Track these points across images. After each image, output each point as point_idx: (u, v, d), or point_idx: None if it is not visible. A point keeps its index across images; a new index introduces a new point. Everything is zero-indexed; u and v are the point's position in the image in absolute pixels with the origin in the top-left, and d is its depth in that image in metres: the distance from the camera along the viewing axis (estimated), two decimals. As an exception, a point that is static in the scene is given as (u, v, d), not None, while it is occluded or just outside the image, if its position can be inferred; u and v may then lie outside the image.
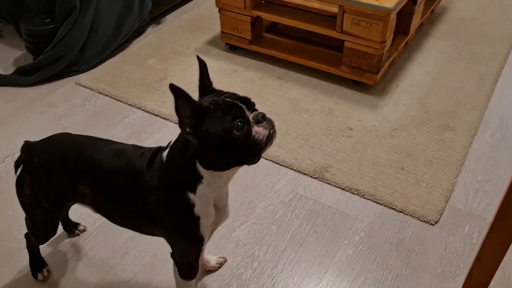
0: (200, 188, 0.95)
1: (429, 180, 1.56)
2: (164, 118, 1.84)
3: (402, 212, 1.47)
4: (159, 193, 0.98)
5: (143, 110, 1.88)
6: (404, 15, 2.03)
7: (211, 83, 0.99)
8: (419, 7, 2.10)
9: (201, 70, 0.97)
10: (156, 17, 2.48)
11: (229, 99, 0.90)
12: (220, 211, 1.05)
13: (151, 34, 2.37)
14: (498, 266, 1.16)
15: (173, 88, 0.83)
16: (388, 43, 1.85)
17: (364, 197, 1.52)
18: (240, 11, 2.06)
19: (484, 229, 1.41)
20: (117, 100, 1.94)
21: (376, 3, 1.73)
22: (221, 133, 0.87)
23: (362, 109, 1.87)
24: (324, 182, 1.57)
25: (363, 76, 1.93)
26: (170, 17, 2.54)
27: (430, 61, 2.15)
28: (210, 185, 0.95)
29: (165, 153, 0.98)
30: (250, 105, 0.93)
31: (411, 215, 1.46)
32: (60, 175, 1.07)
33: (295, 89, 1.98)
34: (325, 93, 1.95)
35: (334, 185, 1.56)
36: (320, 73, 2.05)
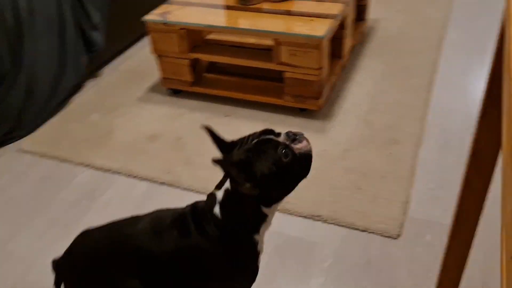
0: (263, 226, 0.99)
1: (385, 195, 1.61)
2: (115, 173, 1.80)
3: (365, 231, 1.50)
4: (225, 256, 0.98)
5: (92, 167, 1.83)
6: (336, 40, 2.11)
7: (224, 138, 1.00)
8: (348, 31, 2.19)
9: (210, 135, 0.99)
10: (93, 71, 2.45)
11: (256, 139, 0.94)
12: None
13: (90, 89, 2.34)
14: (463, 270, 1.19)
15: (217, 161, 0.88)
16: (325, 68, 1.91)
17: (327, 222, 1.54)
18: (178, 55, 2.07)
19: (445, 235, 1.46)
20: (63, 161, 1.87)
21: (308, 32, 1.79)
22: (274, 168, 0.90)
23: (312, 135, 1.91)
24: (285, 213, 1.58)
25: (306, 103, 1.98)
26: (107, 70, 2.52)
27: (367, 80, 2.24)
28: (270, 217, 0.99)
29: (216, 211, 0.96)
30: (274, 132, 0.97)
31: (374, 233, 1.49)
32: (100, 279, 1.00)
33: (244, 124, 2.00)
34: (274, 124, 1.98)
35: (296, 215, 1.57)
36: (266, 105, 2.08)
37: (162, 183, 1.74)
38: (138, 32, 2.70)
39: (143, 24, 2.08)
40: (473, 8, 2.85)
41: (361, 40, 2.56)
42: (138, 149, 1.90)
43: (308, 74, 1.89)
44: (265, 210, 0.96)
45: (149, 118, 2.09)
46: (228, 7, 2.08)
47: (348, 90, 2.17)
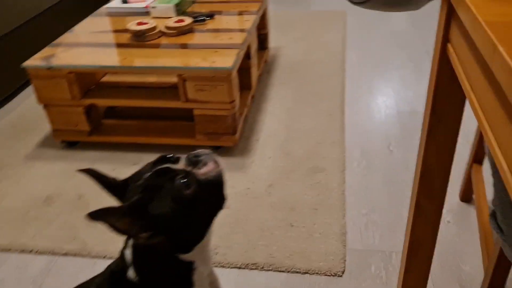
0: (196, 274, 0.80)
1: (320, 229, 1.49)
2: (4, 250, 1.48)
3: (307, 273, 1.36)
4: None
5: (-27, 248, 1.50)
6: (243, 70, 2.01)
7: (114, 179, 0.79)
8: (254, 60, 2.11)
9: (93, 178, 0.77)
10: (-33, 131, 2.09)
11: (149, 173, 0.74)
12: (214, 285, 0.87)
13: (-35, 152, 1.98)
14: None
15: (93, 216, 0.66)
16: (237, 101, 1.79)
17: (264, 269, 1.37)
18: (69, 102, 1.82)
19: (389, 264, 1.37)
20: None
21: (214, 65, 1.66)
22: (175, 205, 0.70)
23: (231, 174, 1.75)
24: (216, 266, 1.39)
25: (221, 140, 1.83)
26: (-15, 127, 2.17)
27: (279, 109, 2.16)
28: (202, 260, 0.81)
29: (131, 276, 0.76)
30: (172, 158, 0.77)
31: (317, 273, 1.35)
32: None
33: (154, 171, 1.79)
34: (187, 167, 1.80)
35: (228, 266, 1.39)
36: (177, 147, 1.89)
37: (66, 254, 1.46)
38: (19, 80, 2.38)
39: (22, 71, 1.80)
40: (364, 31, 2.95)
41: (266, 69, 2.50)
42: (31, 217, 1.60)
43: (219, 109, 1.74)
44: (187, 256, 0.77)
45: (41, 178, 1.80)
46: (122, 45, 1.88)
47: (262, 122, 2.07)
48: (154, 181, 0.73)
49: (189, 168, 0.76)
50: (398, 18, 3.13)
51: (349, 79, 2.39)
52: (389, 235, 1.47)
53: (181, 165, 0.77)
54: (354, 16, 3.13)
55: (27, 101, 2.34)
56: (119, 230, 0.70)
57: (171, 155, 0.80)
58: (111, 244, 1.47)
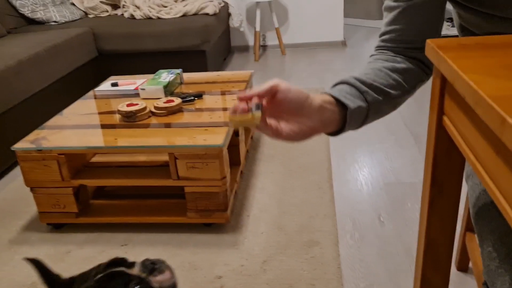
0: None
1: (320, 306, 1.45)
2: None
3: None
4: None
5: None
6: (232, 147, 2.04)
7: (58, 275, 0.75)
8: (242, 137, 2.15)
9: (36, 270, 0.73)
10: None
11: (100, 275, 0.70)
12: None
13: None
14: None
15: None
16: (228, 177, 1.80)
17: None
18: (58, 184, 1.80)
19: None
20: None
21: (205, 143, 1.69)
22: None
23: (224, 251, 1.72)
24: None
25: (212, 216, 1.81)
26: (-33, 212, 2.11)
27: (268, 184, 2.17)
28: None
29: None
30: (126, 263, 0.74)
31: None
32: None
33: (145, 252, 1.74)
34: (179, 246, 1.76)
35: None
36: (168, 226, 1.86)
37: None
38: (3, 164, 2.36)
39: (8, 154, 1.79)
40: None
41: (253, 145, 2.54)
42: (15, 306, 1.52)
43: (211, 186, 1.75)
44: None
45: (25, 264, 1.72)
46: (112, 126, 1.91)
47: (252, 197, 2.07)
48: (105, 284, 0.69)
49: (143, 275, 0.73)
50: (375, 94, 3.27)
51: (334, 152, 2.45)
52: (390, 309, 1.44)
53: (135, 271, 0.74)
54: (333, 93, 3.26)
55: (11, 185, 2.30)
56: None
57: (125, 258, 0.76)
58: (101, 332, 1.39)
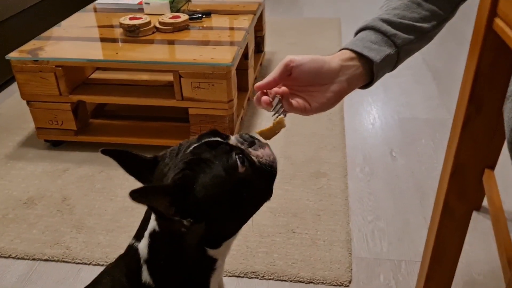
0: (213, 278, 0.69)
1: (324, 236, 1.39)
2: (-21, 255, 1.35)
3: (311, 282, 1.26)
4: None
5: None
6: (240, 71, 1.92)
7: (142, 157, 0.67)
8: (251, 61, 2.03)
9: (114, 157, 0.66)
10: None
11: (195, 145, 0.63)
12: None
13: None
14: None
15: (135, 195, 0.54)
16: (235, 101, 1.70)
17: (265, 278, 1.27)
18: (56, 99, 1.70)
19: (398, 273, 1.28)
20: None
21: (213, 61, 1.57)
22: (226, 185, 0.60)
23: (227, 177, 1.65)
24: (213, 275, 1.28)
25: (217, 141, 1.73)
26: (-38, 125, 2.03)
27: (276, 113, 2.07)
28: (223, 260, 0.71)
29: (145, 278, 0.64)
30: (221, 134, 0.67)
31: (322, 283, 1.25)
32: None
33: (145, 173, 1.68)
34: (180, 170, 1.69)
35: (226, 275, 1.28)
36: (169, 149, 1.79)
37: (48, 260, 1.34)
38: (2, 75, 2.26)
39: (6, 64, 1.69)
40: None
41: (262, 73, 2.42)
42: (10, 219, 1.48)
43: (217, 109, 1.65)
44: (214, 253, 0.67)
45: (22, 179, 1.67)
46: (114, 40, 1.78)
47: (259, 125, 1.98)
48: (203, 154, 0.62)
49: (243, 147, 0.66)
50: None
51: (347, 85, 2.32)
52: (397, 243, 1.38)
53: (232, 142, 0.67)
54: (349, 24, 3.08)
55: (7, 101, 2.22)
56: (162, 213, 0.59)
57: (218, 130, 0.70)
58: (97, 249, 1.35)
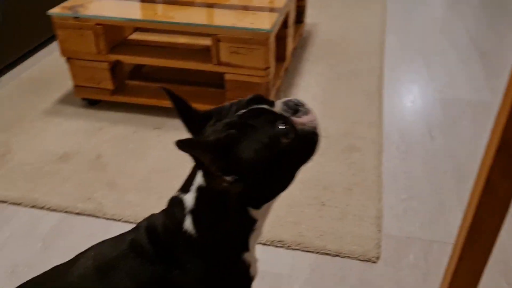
0: (252, 238, 0.71)
1: (354, 211, 1.37)
2: (14, 204, 1.39)
3: (338, 255, 1.24)
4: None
5: (-18, 198, 1.41)
6: (279, 39, 1.88)
7: (196, 110, 0.69)
8: (291, 31, 1.98)
9: (172, 101, 0.67)
10: (-15, 81, 2.01)
11: (242, 110, 0.64)
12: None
13: (-18, 102, 1.89)
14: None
15: (181, 144, 0.57)
16: (272, 69, 1.67)
17: (291, 248, 1.26)
18: (94, 57, 1.71)
19: (429, 254, 1.24)
20: None
21: (252, 26, 1.54)
22: (268, 152, 0.62)
23: (259, 146, 1.64)
24: (239, 240, 1.28)
25: (251, 109, 1.71)
26: (5, 79, 2.08)
27: (313, 85, 2.03)
28: (262, 222, 0.72)
29: (188, 227, 0.66)
30: (267, 101, 0.68)
31: (349, 257, 1.23)
32: None
33: (177, 137, 1.68)
34: (213, 135, 1.69)
35: (252, 242, 1.28)
36: (202, 114, 1.78)
37: (79, 213, 1.36)
38: (45, 32, 2.29)
39: (50, 22, 1.70)
40: (404, 14, 2.79)
41: (301, 43, 2.36)
42: (45, 172, 1.51)
43: (253, 76, 1.62)
44: (254, 213, 0.68)
45: (59, 134, 1.70)
46: (154, 1, 1.77)
47: (295, 96, 1.94)
48: (249, 120, 0.63)
49: (287, 114, 0.66)
50: (440, 3, 2.96)
51: (388, 61, 2.24)
52: (430, 223, 1.34)
53: (278, 109, 0.67)
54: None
55: (49, 57, 2.25)
56: (203, 165, 0.61)
57: (264, 97, 0.70)
58: (128, 207, 1.36)
